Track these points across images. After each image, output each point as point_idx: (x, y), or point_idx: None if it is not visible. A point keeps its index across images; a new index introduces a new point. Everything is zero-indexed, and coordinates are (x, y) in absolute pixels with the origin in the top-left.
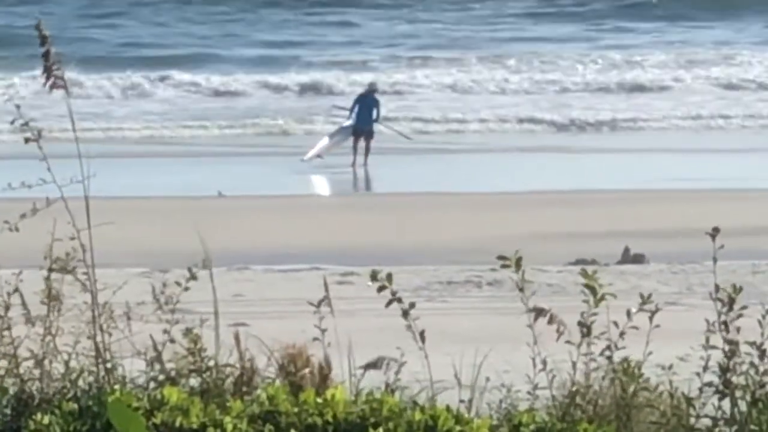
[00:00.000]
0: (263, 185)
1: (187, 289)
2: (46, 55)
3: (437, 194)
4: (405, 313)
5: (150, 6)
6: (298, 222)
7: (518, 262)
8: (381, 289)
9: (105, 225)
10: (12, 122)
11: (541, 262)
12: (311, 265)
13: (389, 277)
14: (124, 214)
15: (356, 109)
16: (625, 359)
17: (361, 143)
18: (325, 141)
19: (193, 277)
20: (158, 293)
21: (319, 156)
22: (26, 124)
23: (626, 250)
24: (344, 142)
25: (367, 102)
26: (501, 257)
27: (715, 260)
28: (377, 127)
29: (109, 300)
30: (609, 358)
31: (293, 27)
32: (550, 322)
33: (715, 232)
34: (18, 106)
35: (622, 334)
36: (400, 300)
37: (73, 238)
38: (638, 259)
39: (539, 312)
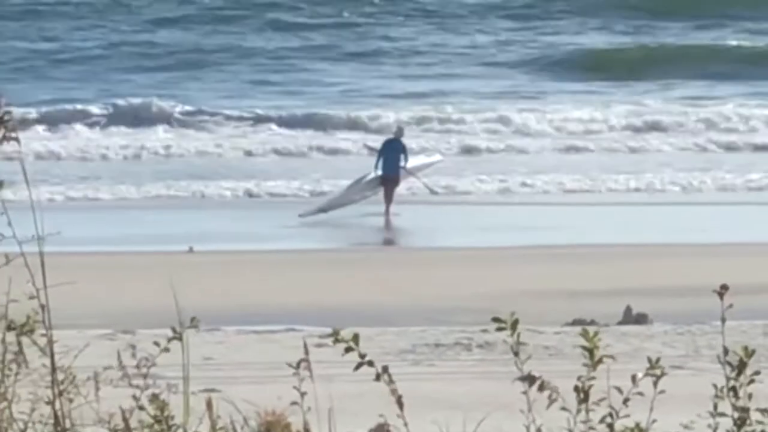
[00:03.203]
0: (238, 239)
1: (159, 355)
2: None
3: (424, 249)
4: (378, 377)
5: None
6: (275, 279)
7: (514, 325)
8: (348, 350)
9: (65, 283)
10: None
11: (536, 323)
12: (287, 326)
13: (356, 338)
14: (85, 270)
15: (383, 156)
16: (637, 425)
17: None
18: (336, 194)
19: (177, 337)
20: (123, 361)
21: (323, 211)
22: None
23: (628, 309)
24: (367, 196)
25: (393, 146)
26: (496, 319)
27: (723, 320)
28: (402, 173)
29: (70, 364)
30: (610, 426)
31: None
32: (541, 389)
33: (723, 290)
34: None
35: (626, 400)
36: (371, 363)
37: (32, 298)
38: (641, 319)
39: (531, 380)
